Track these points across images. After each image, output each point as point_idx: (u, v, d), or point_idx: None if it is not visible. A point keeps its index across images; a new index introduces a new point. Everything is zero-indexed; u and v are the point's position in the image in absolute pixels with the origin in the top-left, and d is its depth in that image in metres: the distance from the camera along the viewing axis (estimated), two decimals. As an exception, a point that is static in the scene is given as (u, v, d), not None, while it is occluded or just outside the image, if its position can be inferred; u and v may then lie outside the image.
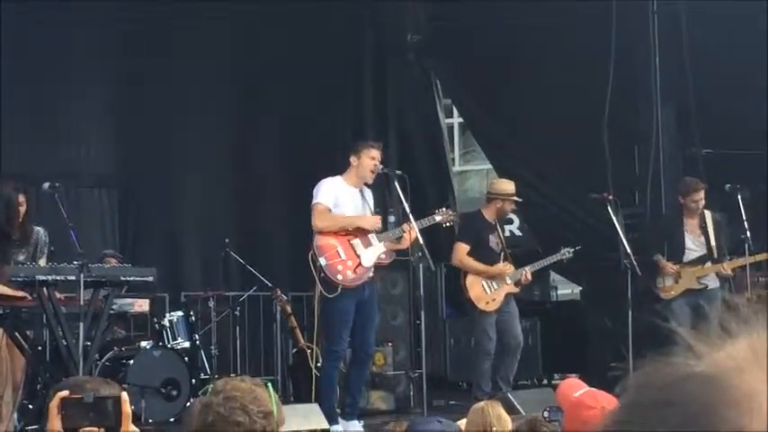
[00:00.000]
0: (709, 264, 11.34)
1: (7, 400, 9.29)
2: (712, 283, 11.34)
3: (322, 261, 9.61)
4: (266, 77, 14.70)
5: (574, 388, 4.38)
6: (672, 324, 1.03)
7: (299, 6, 14.20)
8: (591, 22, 12.87)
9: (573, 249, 11.38)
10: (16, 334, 9.23)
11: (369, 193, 10.06)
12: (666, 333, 1.05)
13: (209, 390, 3.65)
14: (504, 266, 11.18)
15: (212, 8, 13.98)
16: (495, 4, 13.80)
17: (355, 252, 9.75)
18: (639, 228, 12.47)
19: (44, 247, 9.79)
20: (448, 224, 10.57)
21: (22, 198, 9.62)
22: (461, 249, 11.12)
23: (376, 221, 9.97)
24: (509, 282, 11.13)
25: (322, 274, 9.61)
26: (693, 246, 11.42)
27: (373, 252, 9.84)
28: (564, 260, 11.48)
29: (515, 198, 11.36)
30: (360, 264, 9.74)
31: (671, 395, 0.97)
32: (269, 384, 3.62)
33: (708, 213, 11.37)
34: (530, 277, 11.33)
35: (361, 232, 9.85)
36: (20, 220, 9.54)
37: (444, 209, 10.59)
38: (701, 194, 11.26)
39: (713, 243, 11.34)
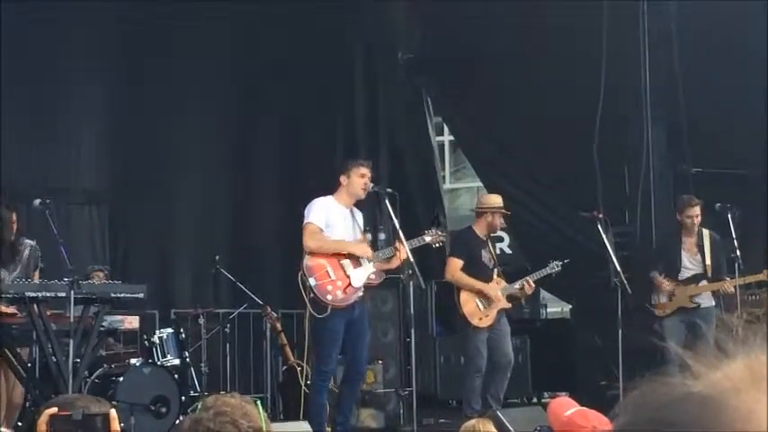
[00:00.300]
0: (704, 282, 11.36)
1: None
2: (707, 301, 11.35)
3: (312, 281, 9.60)
4: (259, 100, 14.71)
5: (564, 407, 4.38)
6: (667, 343, 1.03)
7: (289, 24, 14.23)
8: (582, 41, 12.90)
9: (561, 263, 11.38)
10: (6, 351, 9.21)
11: (359, 214, 10.08)
12: (657, 351, 1.05)
13: (199, 406, 3.65)
14: (498, 283, 11.19)
15: (207, 37, 14.05)
16: (487, 23, 13.81)
17: (345, 272, 9.75)
18: (629, 246, 12.49)
19: (38, 261, 9.79)
20: (437, 245, 10.57)
21: (14, 217, 9.63)
22: (455, 265, 11.13)
23: (366, 250, 9.96)
24: (502, 297, 11.14)
25: (311, 295, 9.60)
26: (690, 264, 11.43)
27: (363, 272, 9.85)
28: (553, 274, 11.47)
29: (504, 211, 11.38)
30: (349, 284, 9.74)
31: (668, 416, 0.97)
32: (258, 402, 3.63)
33: (706, 232, 11.38)
34: (533, 285, 11.33)
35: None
36: (12, 238, 9.55)
37: (434, 230, 10.59)
38: (696, 210, 11.27)
39: (708, 262, 11.35)
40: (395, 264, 10.04)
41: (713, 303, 11.33)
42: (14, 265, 9.60)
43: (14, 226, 9.59)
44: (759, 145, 12.36)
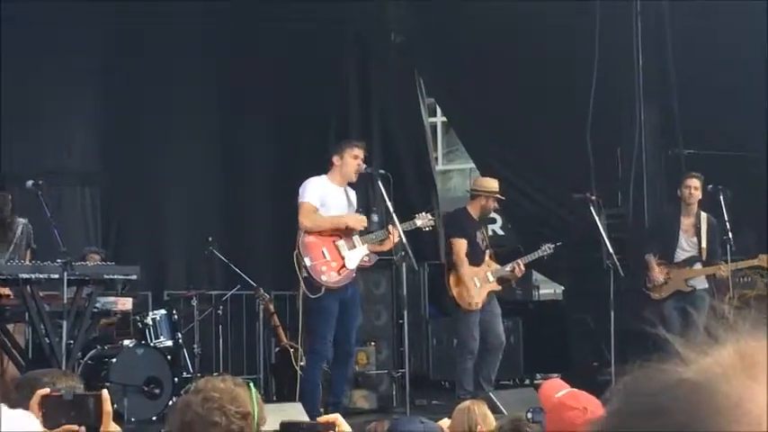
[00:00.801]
0: (698, 265, 11.38)
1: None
2: (700, 284, 11.38)
3: (307, 261, 9.62)
4: (251, 79, 14.69)
5: (556, 389, 4.39)
6: (659, 329, 1.04)
7: (281, 7, 14.21)
8: (575, 21, 12.89)
9: (554, 245, 11.41)
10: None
11: (353, 193, 10.09)
12: (649, 335, 1.06)
13: (191, 388, 3.67)
14: (489, 265, 11.21)
15: (188, 14, 14.04)
16: (478, 3, 13.81)
17: (340, 253, 9.77)
18: (622, 228, 12.51)
19: (30, 239, 9.80)
20: (428, 228, 10.59)
21: (9, 197, 9.65)
22: (460, 245, 11.13)
23: (362, 220, 9.99)
24: (492, 279, 11.16)
25: (306, 275, 9.62)
26: (686, 246, 11.44)
27: (357, 254, 9.86)
28: (545, 256, 11.50)
29: (499, 196, 11.39)
30: (344, 265, 9.76)
31: (660, 403, 0.98)
32: (251, 384, 3.64)
33: (704, 215, 11.40)
34: (523, 269, 11.36)
35: (345, 233, 9.86)
36: (7, 219, 9.56)
37: (424, 213, 10.60)
38: (695, 182, 11.27)
39: (704, 245, 11.37)
40: (387, 246, 10.06)
41: (706, 286, 11.36)
42: (7, 245, 9.60)
43: (9, 207, 9.59)
44: (752, 127, 12.38)
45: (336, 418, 3.37)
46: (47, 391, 3.69)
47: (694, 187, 11.27)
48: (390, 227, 9.93)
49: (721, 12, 12.45)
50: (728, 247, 11.15)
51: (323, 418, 3.27)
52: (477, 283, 11.04)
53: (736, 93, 12.67)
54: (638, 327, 1.01)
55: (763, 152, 11.99)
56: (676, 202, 11.60)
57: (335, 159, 9.92)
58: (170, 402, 9.90)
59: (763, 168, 12.07)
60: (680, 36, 12.78)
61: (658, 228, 11.84)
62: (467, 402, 5.83)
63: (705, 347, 0.99)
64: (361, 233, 10.00)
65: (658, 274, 11.32)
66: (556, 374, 11.96)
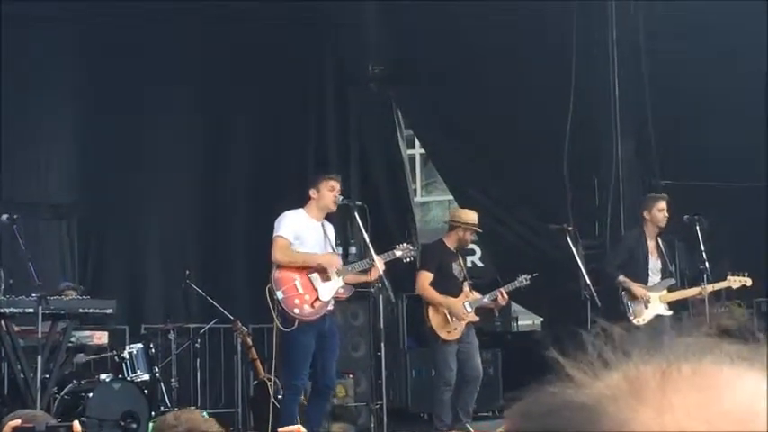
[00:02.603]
0: (677, 288, 11.36)
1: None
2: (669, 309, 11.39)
3: (279, 294, 9.60)
4: (229, 109, 14.70)
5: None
6: (552, 352, 1.06)
7: (259, 36, 14.22)
8: (552, 52, 12.95)
9: (530, 276, 11.41)
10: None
11: (330, 228, 10.08)
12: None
13: (155, 426, 3.63)
14: (467, 295, 11.19)
15: (169, 42, 14.04)
16: (456, 37, 13.85)
17: (313, 286, 9.74)
18: (599, 259, 12.50)
19: None
20: (408, 259, 10.58)
21: None
22: (424, 278, 11.13)
23: (335, 261, 9.97)
24: (470, 310, 11.14)
25: (279, 308, 9.59)
26: (654, 269, 11.44)
27: (332, 286, 9.84)
28: (522, 287, 11.49)
29: (477, 228, 11.40)
30: (317, 298, 9.73)
31: (548, 424, 0.99)
32: (206, 414, 3.61)
33: (659, 238, 11.42)
34: (506, 296, 11.36)
35: (320, 267, 9.85)
36: None
37: (405, 244, 10.60)
38: (664, 204, 11.28)
39: (671, 268, 11.37)
40: (371, 276, 10.03)
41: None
42: None
43: None
44: (729, 156, 12.43)
45: (299, 428, 3.34)
46: (18, 422, 3.67)
47: (665, 209, 11.27)
48: (375, 258, 9.91)
49: (697, 42, 12.51)
50: (705, 276, 11.15)
51: (284, 429, 3.25)
52: (449, 317, 11.01)
53: (713, 122, 12.73)
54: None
55: (740, 182, 12.04)
56: (638, 224, 11.58)
57: (312, 193, 9.91)
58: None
59: (740, 198, 12.11)
60: (656, 66, 12.84)
61: (628, 254, 11.70)
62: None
63: (595, 371, 1.00)
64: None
65: (639, 288, 11.24)
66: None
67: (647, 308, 11.28)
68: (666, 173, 12.87)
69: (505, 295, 11.35)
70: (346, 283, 9.99)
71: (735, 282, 11.32)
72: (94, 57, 13.80)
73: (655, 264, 11.42)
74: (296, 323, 9.58)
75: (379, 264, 9.85)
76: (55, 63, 13.75)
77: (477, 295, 11.30)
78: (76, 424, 3.67)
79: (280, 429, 3.26)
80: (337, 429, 12.02)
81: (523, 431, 1.02)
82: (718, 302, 11.87)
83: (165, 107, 14.30)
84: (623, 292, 11.25)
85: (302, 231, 9.82)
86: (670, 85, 12.75)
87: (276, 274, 9.69)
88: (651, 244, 11.42)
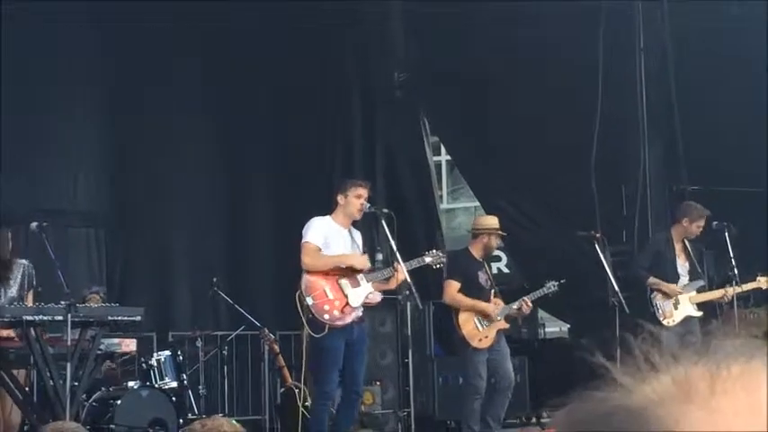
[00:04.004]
0: (705, 290, 11.33)
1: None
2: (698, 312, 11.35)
3: (309, 300, 9.58)
4: (255, 122, 14.73)
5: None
6: (597, 357, 1.06)
7: (285, 42, 14.24)
8: (579, 64, 12.93)
9: (558, 283, 11.38)
10: (3, 374, 9.20)
11: (357, 234, 10.07)
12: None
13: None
14: (495, 303, 11.17)
15: (199, 52, 14.08)
16: (483, 44, 13.84)
17: (343, 292, 9.73)
18: (627, 265, 12.47)
19: (32, 279, 9.78)
20: (438, 266, 10.57)
21: (8, 235, 9.64)
22: (452, 287, 11.10)
23: (365, 261, 9.96)
24: (499, 318, 11.11)
25: (309, 314, 9.59)
26: (682, 271, 11.41)
27: (361, 292, 9.82)
28: (549, 294, 11.47)
29: (500, 232, 11.37)
30: (347, 303, 9.72)
31: (595, 430, 0.99)
32: (233, 422, 3.62)
33: (686, 240, 11.40)
34: (530, 305, 11.33)
35: (349, 272, 9.83)
36: (7, 256, 9.55)
37: (434, 251, 10.59)
38: (704, 222, 11.27)
39: (698, 269, 11.35)
40: (393, 284, 10.02)
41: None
42: (9, 285, 9.58)
43: (9, 245, 9.58)
44: (757, 163, 12.38)
45: None
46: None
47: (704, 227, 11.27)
48: (396, 264, 9.90)
49: (725, 46, 12.47)
50: (734, 282, 11.12)
51: None
52: (479, 325, 10.99)
53: (741, 128, 12.68)
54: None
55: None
56: (667, 227, 11.58)
57: (339, 198, 9.91)
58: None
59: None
60: (684, 72, 12.80)
61: (656, 256, 11.65)
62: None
63: (642, 375, 1.00)
64: (366, 271, 9.97)
65: (673, 285, 11.21)
66: (557, 410, 11.89)
67: (676, 309, 11.24)
68: (693, 179, 12.83)
69: (530, 304, 11.31)
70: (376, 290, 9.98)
71: (765, 283, 11.28)
72: (122, 63, 13.83)
73: (683, 266, 11.39)
74: (326, 329, 9.58)
75: (402, 271, 9.83)
76: (83, 70, 13.79)
77: (503, 305, 11.27)
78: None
79: None
80: (365, 437, 12.01)
81: None
82: (746, 309, 11.82)
83: (193, 114, 14.33)
84: (653, 294, 11.22)
85: (330, 237, 9.81)
86: (698, 91, 12.71)
87: (306, 280, 9.68)
88: (678, 246, 11.39)
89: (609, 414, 0.99)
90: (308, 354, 9.86)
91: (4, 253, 9.58)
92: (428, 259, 10.34)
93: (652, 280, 11.23)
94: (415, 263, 10.17)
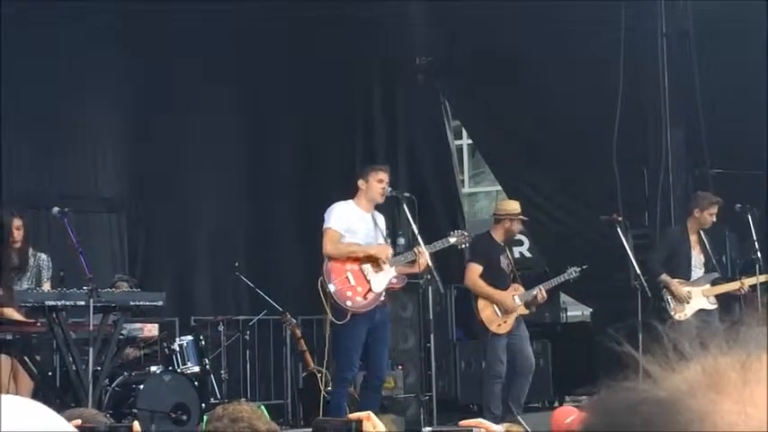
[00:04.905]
0: (719, 282, 11.29)
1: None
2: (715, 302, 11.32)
3: (331, 287, 9.58)
4: (277, 107, 14.71)
5: (565, 414, 4.39)
6: (626, 347, 1.05)
7: (307, 30, 14.21)
8: (600, 44, 12.87)
9: (580, 268, 11.35)
10: (26, 359, 9.23)
11: (381, 218, 10.05)
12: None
13: (207, 419, 3.64)
14: (515, 289, 11.15)
15: (217, 41, 14.07)
16: (504, 27, 13.79)
17: (365, 278, 9.72)
18: (649, 248, 12.43)
19: (48, 273, 9.80)
20: (463, 246, 10.55)
21: (18, 222, 9.63)
22: (474, 270, 11.10)
23: (387, 251, 9.93)
24: (519, 303, 11.10)
25: (331, 301, 9.58)
26: (697, 263, 11.38)
27: (384, 277, 9.81)
28: (571, 279, 11.45)
29: (522, 217, 11.35)
30: (370, 289, 9.71)
31: (625, 422, 0.98)
32: (262, 407, 3.62)
33: (701, 231, 11.37)
34: (545, 295, 11.30)
35: (372, 257, 9.81)
36: (19, 244, 9.54)
37: (459, 230, 10.57)
38: (716, 209, 11.24)
39: (713, 261, 11.31)
40: (417, 269, 10.00)
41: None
42: (23, 273, 9.59)
43: (20, 232, 9.58)
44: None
45: (369, 415, 3.31)
46: (79, 422, 3.69)
47: (715, 213, 11.22)
48: (418, 248, 9.88)
49: (748, 28, 12.40)
50: (758, 266, 11.08)
51: (354, 415, 3.22)
52: (498, 310, 10.98)
53: (763, 110, 12.60)
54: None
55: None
56: (682, 220, 11.55)
57: (360, 183, 9.89)
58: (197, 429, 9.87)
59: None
60: (705, 55, 12.73)
61: (671, 249, 11.62)
62: (505, 425, 5.77)
63: (672, 365, 0.98)
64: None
65: (681, 288, 11.20)
66: (584, 397, 11.89)
67: (688, 303, 11.21)
68: (715, 162, 12.77)
69: (544, 293, 11.26)
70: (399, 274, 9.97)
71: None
72: (146, 52, 13.81)
73: (698, 258, 11.36)
74: (348, 315, 9.57)
75: (425, 254, 9.81)
76: (107, 58, 13.78)
77: (523, 291, 11.24)
78: (136, 425, 3.69)
79: (350, 415, 3.23)
80: (387, 421, 12.01)
81: (598, 426, 1.00)
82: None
83: (214, 101, 14.31)
84: (664, 289, 11.21)
85: (353, 223, 9.79)
86: (720, 75, 12.64)
87: (328, 266, 9.67)
88: (693, 238, 11.36)
89: (637, 404, 0.98)
90: (331, 339, 9.85)
91: (8, 239, 9.53)
92: (452, 239, 10.32)
93: (663, 277, 11.21)
94: (439, 244, 10.16)
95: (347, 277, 9.66)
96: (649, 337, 1.02)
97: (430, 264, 9.89)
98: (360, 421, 3.13)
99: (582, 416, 1.03)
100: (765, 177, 11.94)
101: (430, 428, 3.00)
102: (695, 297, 11.23)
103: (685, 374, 0.98)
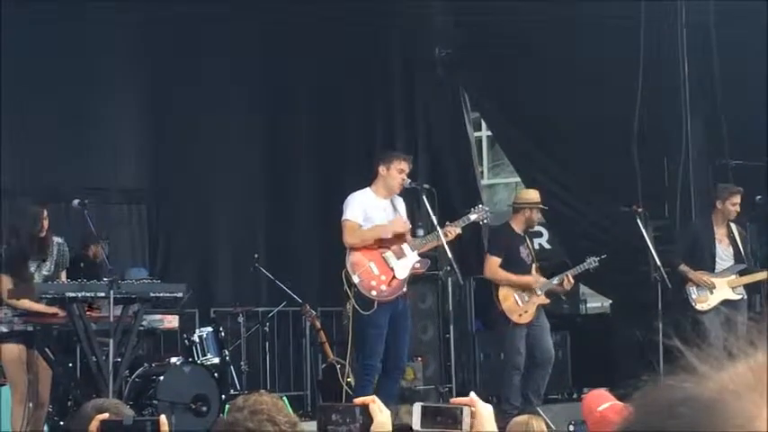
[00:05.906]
0: (745, 273, 11.25)
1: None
2: (744, 293, 11.28)
3: (355, 279, 9.56)
4: (296, 96, 14.72)
5: (599, 401, 4.34)
6: (675, 341, 1.02)
7: (327, 24, 14.20)
8: (620, 35, 12.83)
9: (599, 258, 11.33)
10: (46, 350, 9.27)
11: (400, 202, 10.00)
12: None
13: (228, 409, 3.66)
14: (536, 277, 11.15)
15: (242, 35, 14.09)
16: (524, 18, 13.76)
17: (388, 265, 9.70)
18: (669, 239, 12.40)
19: (66, 258, 9.82)
20: (484, 221, 10.51)
21: (44, 213, 9.67)
22: (493, 263, 11.09)
23: (405, 224, 9.89)
24: (540, 293, 11.09)
25: (356, 291, 9.57)
26: (724, 255, 11.34)
27: (407, 263, 9.78)
28: (591, 269, 11.42)
29: (541, 206, 11.33)
30: (394, 276, 9.69)
31: (668, 418, 0.96)
32: (284, 398, 3.63)
33: (733, 224, 11.32)
34: (572, 280, 11.29)
35: (394, 242, 9.78)
36: (44, 233, 9.58)
37: (479, 206, 10.50)
38: (739, 198, 11.20)
39: (743, 253, 11.27)
40: (449, 238, 9.88)
41: (745, 297, 11.27)
42: (44, 262, 9.62)
43: (45, 222, 9.62)
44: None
45: (374, 398, 3.32)
46: (106, 415, 3.72)
47: (738, 203, 11.18)
48: (444, 229, 9.79)
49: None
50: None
51: (359, 400, 3.23)
52: (519, 300, 10.97)
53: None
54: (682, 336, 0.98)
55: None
56: (707, 213, 11.52)
57: (381, 170, 9.84)
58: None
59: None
60: (725, 46, 12.69)
61: (693, 242, 11.61)
62: (525, 416, 5.77)
63: (718, 363, 0.96)
64: (410, 233, 9.94)
65: (706, 276, 11.16)
66: (604, 388, 11.86)
67: (711, 293, 11.17)
68: (736, 153, 12.73)
69: (571, 279, 11.28)
70: (421, 256, 9.91)
71: None
72: (165, 45, 13.82)
73: (725, 250, 11.31)
74: (374, 305, 9.55)
75: (453, 232, 9.78)
76: (128, 52, 13.81)
77: (544, 279, 11.23)
78: (163, 417, 3.72)
79: (355, 399, 3.24)
80: (405, 412, 12.01)
81: (641, 426, 0.98)
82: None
83: (230, 93, 14.32)
84: (686, 280, 11.20)
85: (371, 211, 9.76)
86: (741, 64, 12.59)
87: (350, 258, 9.65)
88: (720, 231, 11.32)
89: (677, 404, 0.95)
90: (353, 330, 9.84)
91: (35, 230, 9.57)
92: (473, 216, 10.27)
93: (682, 268, 11.18)
94: (460, 222, 10.11)
95: (370, 267, 9.63)
96: (695, 331, 1.00)
97: (449, 254, 9.88)
98: (366, 405, 3.14)
99: (619, 406, 1.02)
100: None
101: (421, 404, 2.99)
102: (719, 287, 11.18)
103: (731, 374, 0.95)
